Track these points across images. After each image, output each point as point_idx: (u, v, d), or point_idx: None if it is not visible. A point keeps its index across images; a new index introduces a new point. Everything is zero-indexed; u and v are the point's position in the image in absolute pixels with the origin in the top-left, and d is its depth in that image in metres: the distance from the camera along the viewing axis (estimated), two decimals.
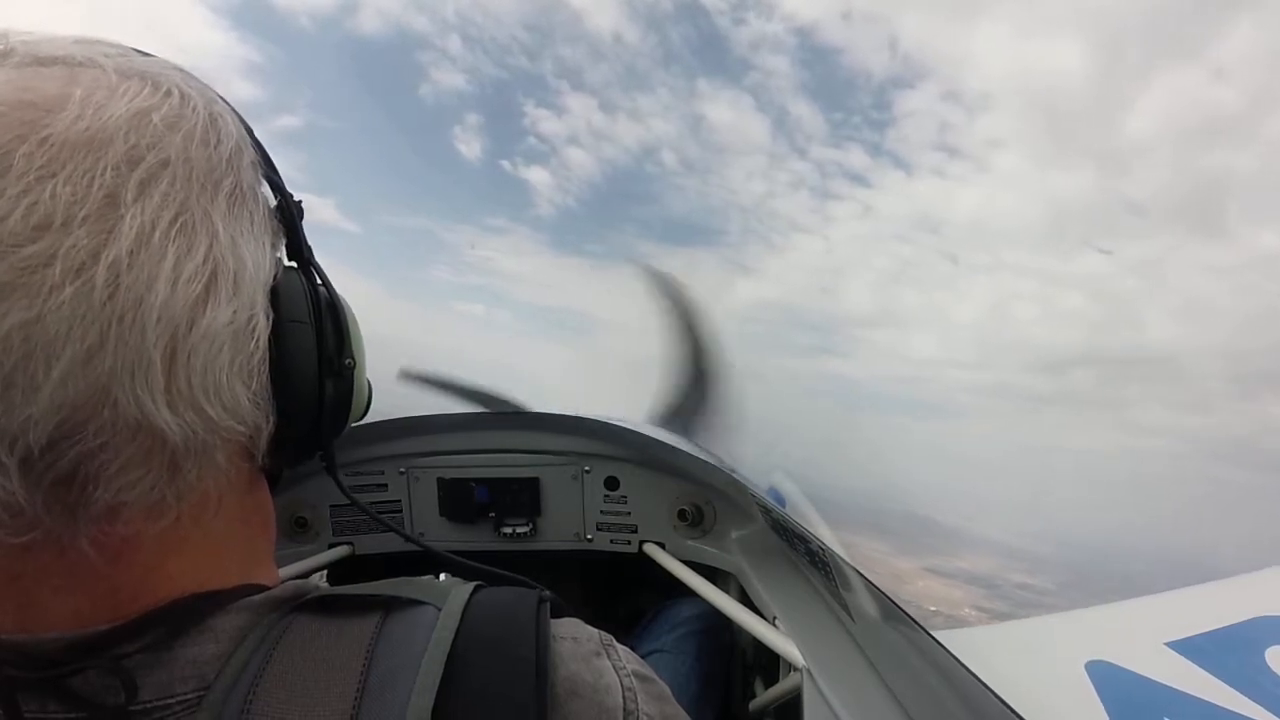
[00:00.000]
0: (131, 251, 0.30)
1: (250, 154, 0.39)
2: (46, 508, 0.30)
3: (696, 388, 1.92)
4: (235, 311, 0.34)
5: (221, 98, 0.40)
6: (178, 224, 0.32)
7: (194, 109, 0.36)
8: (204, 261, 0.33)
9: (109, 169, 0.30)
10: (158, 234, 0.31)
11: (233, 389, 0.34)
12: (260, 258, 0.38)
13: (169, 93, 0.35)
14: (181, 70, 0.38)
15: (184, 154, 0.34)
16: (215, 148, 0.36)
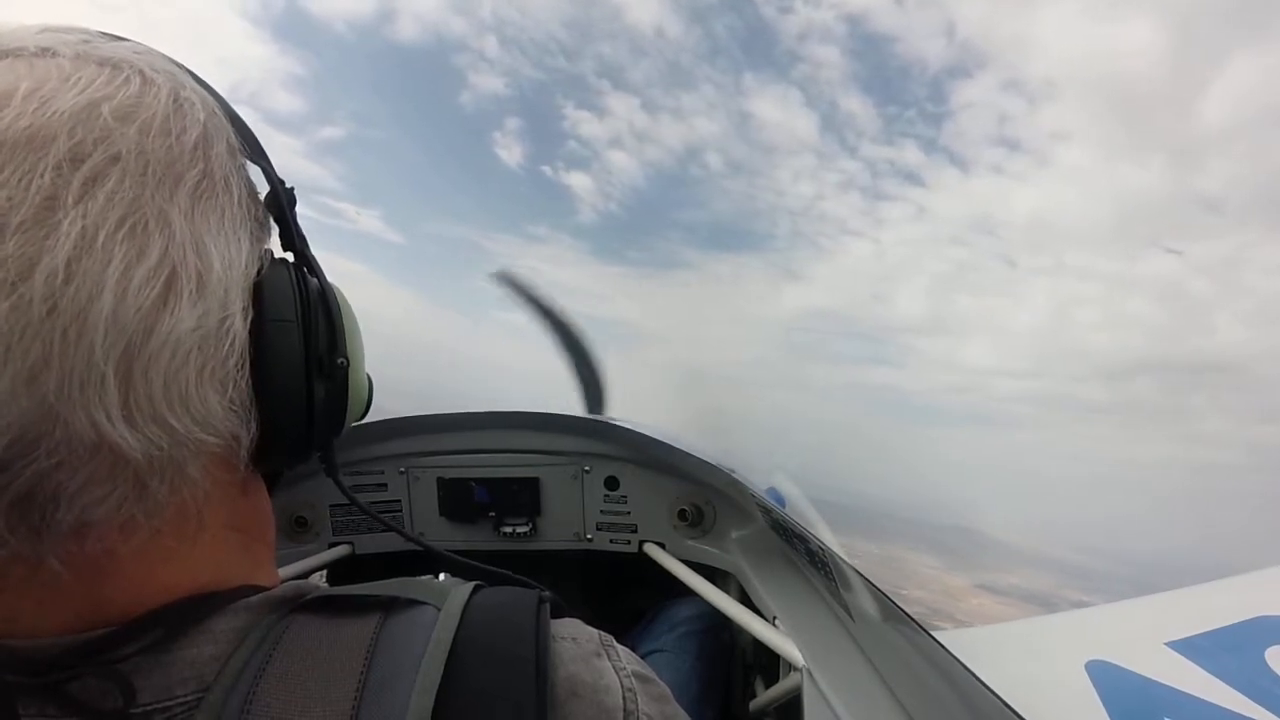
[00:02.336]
0: (70, 260, 0.28)
1: (225, 141, 0.37)
2: (10, 528, 0.29)
3: (590, 367, 1.92)
4: (202, 315, 0.32)
5: (197, 80, 0.37)
6: (126, 225, 0.29)
7: (155, 95, 0.33)
8: (159, 264, 0.30)
9: (50, 169, 0.28)
10: (102, 238, 0.29)
11: (203, 398, 0.32)
12: (233, 254, 0.35)
13: (128, 79, 0.33)
14: (151, 52, 0.36)
15: (138, 147, 0.31)
16: (178, 137, 0.33)
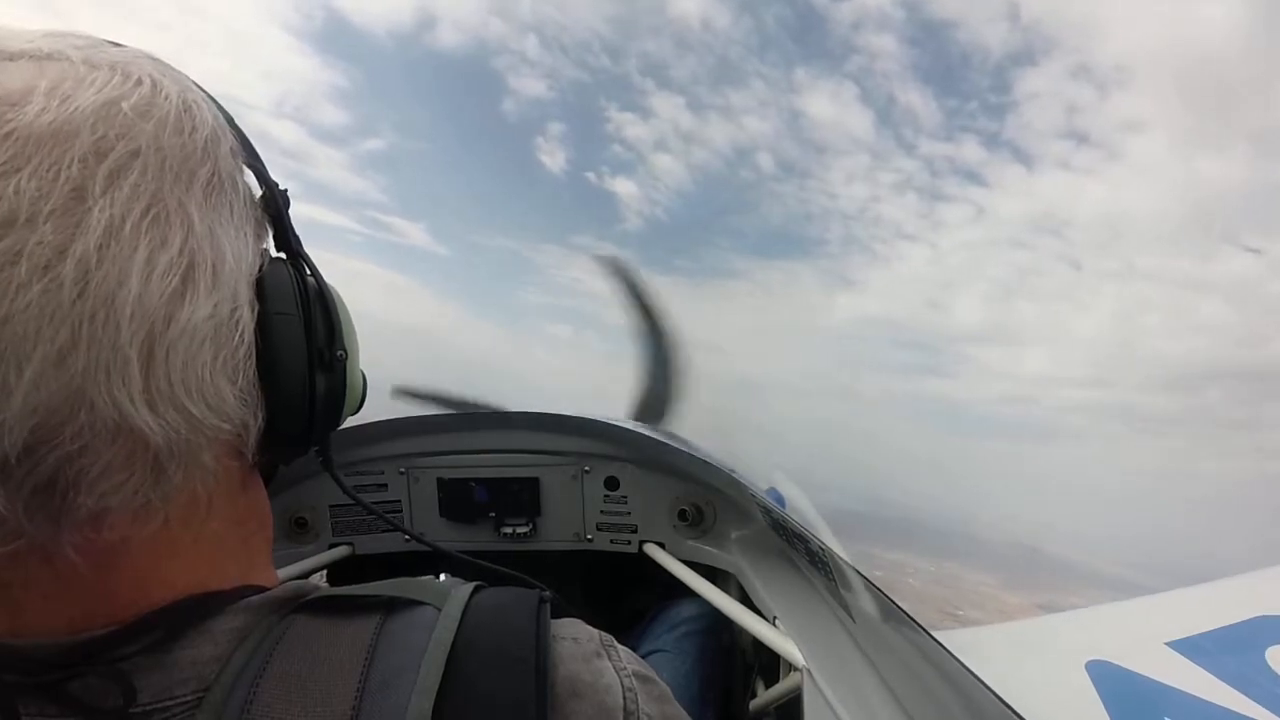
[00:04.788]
0: (101, 246, 0.29)
1: (229, 142, 0.38)
2: (28, 516, 0.29)
3: (664, 379, 1.88)
4: (216, 305, 0.33)
5: (198, 85, 0.38)
6: (149, 215, 0.31)
7: (166, 96, 0.34)
8: (179, 253, 0.31)
9: (76, 161, 0.29)
10: (128, 226, 0.30)
11: (217, 385, 0.33)
12: (241, 248, 0.36)
13: (139, 81, 0.34)
14: (154, 59, 0.37)
15: (156, 142, 0.32)
16: (190, 135, 0.34)
